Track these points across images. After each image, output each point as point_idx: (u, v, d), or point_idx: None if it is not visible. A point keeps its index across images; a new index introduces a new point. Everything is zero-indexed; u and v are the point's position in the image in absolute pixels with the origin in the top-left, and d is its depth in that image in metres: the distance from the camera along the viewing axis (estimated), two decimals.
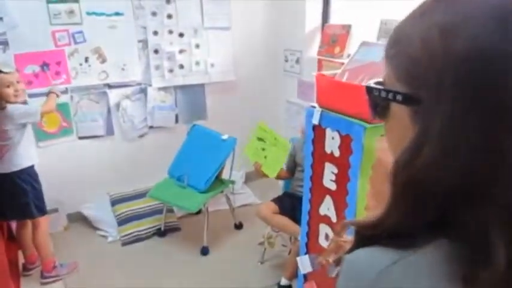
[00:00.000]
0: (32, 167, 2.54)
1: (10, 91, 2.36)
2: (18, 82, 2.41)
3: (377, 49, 1.87)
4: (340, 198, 1.86)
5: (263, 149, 2.58)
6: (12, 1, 2.76)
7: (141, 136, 3.49)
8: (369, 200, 1.77)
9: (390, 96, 0.50)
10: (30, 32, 2.85)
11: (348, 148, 1.76)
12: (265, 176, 2.60)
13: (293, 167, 2.67)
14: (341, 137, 1.81)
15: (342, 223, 0.67)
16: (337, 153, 1.85)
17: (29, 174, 2.51)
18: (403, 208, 0.47)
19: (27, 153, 2.50)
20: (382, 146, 1.72)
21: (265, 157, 2.57)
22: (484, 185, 0.43)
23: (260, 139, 2.60)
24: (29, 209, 2.52)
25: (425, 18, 0.47)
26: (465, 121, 0.42)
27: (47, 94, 2.68)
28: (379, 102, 0.53)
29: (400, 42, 0.49)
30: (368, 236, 0.51)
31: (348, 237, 1.01)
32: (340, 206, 1.88)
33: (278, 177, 2.67)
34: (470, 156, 0.43)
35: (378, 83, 0.54)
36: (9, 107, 2.37)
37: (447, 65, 0.43)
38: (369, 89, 0.54)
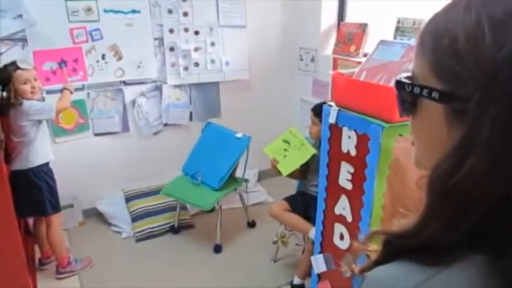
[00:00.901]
0: (47, 164, 2.56)
1: (27, 88, 2.38)
2: (35, 80, 2.44)
3: (396, 48, 1.85)
4: (356, 197, 1.84)
5: (285, 150, 2.61)
6: None
7: (156, 133, 3.51)
8: (386, 200, 1.76)
9: (425, 93, 0.47)
10: (49, 29, 2.89)
11: (365, 147, 1.75)
12: (278, 173, 2.61)
13: (305, 168, 2.66)
14: (358, 136, 1.79)
15: (370, 232, 0.64)
16: (353, 153, 1.84)
17: (44, 172, 2.53)
18: (444, 218, 0.44)
19: (43, 150, 2.52)
20: (400, 146, 1.70)
21: (284, 156, 2.59)
22: None
23: (285, 141, 2.63)
24: (44, 207, 2.54)
25: (472, 11, 0.43)
26: None
27: (61, 91, 2.71)
28: (408, 99, 0.50)
29: (441, 36, 0.45)
30: (399, 247, 0.49)
31: (374, 247, 1.00)
32: (356, 206, 1.86)
33: (290, 176, 2.67)
34: None
35: (408, 77, 0.51)
36: (25, 104, 2.39)
37: (498, 65, 0.40)
38: (400, 84, 0.51)
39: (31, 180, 2.47)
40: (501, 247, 0.42)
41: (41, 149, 2.51)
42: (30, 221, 2.83)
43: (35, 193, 2.50)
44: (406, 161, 1.74)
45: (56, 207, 2.62)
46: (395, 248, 0.49)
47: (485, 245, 0.43)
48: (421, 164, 0.53)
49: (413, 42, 2.08)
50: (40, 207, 2.53)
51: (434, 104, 0.46)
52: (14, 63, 2.39)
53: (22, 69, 2.38)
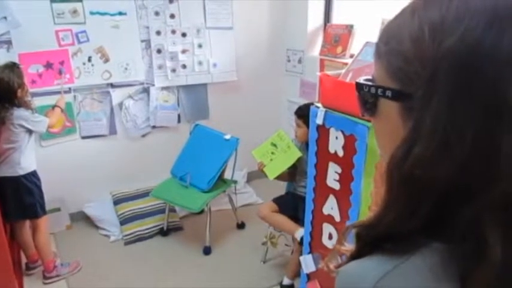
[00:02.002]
0: (35, 170, 2.57)
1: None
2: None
3: None
4: (344, 197, 1.86)
5: (272, 153, 2.63)
6: (16, 0, 2.76)
7: (144, 136, 3.50)
8: (373, 200, 1.78)
9: (380, 92, 0.50)
10: (34, 31, 2.86)
11: (352, 148, 1.77)
12: (265, 175, 2.63)
13: (293, 169, 2.68)
14: (345, 136, 1.81)
15: (344, 227, 0.67)
16: (341, 153, 1.86)
17: (33, 175, 2.54)
18: (399, 206, 0.47)
19: (32, 157, 2.54)
20: None
21: (271, 160, 2.61)
22: (479, 183, 0.42)
23: (273, 145, 2.66)
24: (35, 209, 2.55)
25: (416, 16, 0.47)
26: (457, 117, 0.42)
27: (53, 107, 2.73)
28: (368, 99, 0.53)
29: (391, 41, 0.49)
30: (368, 240, 0.51)
31: (349, 246, 1.02)
32: (344, 206, 1.88)
33: (278, 178, 2.68)
34: (463, 153, 0.42)
35: (367, 80, 0.54)
36: (22, 111, 2.40)
37: (438, 62, 0.43)
38: (359, 86, 0.54)
39: (22, 185, 2.47)
40: (454, 234, 0.44)
41: (31, 156, 2.53)
42: None
43: (27, 197, 2.50)
44: None
45: (44, 210, 2.63)
46: (366, 240, 0.52)
47: (442, 233, 0.45)
48: (383, 157, 0.56)
49: None
50: (31, 210, 2.54)
51: (390, 102, 0.50)
52: (14, 63, 2.41)
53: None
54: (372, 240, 0.50)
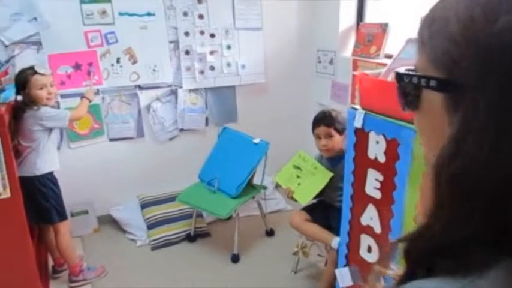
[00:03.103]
0: (52, 172, 2.49)
1: (43, 93, 2.34)
2: (51, 85, 2.40)
3: None
4: (385, 207, 1.73)
5: (298, 177, 2.49)
6: (46, 2, 2.75)
7: (172, 139, 3.44)
8: (419, 211, 1.63)
9: (423, 82, 0.46)
10: (63, 32, 2.84)
11: (395, 153, 1.64)
12: (295, 201, 2.51)
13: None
14: (387, 141, 1.68)
15: (389, 244, 0.59)
16: (382, 159, 1.73)
17: (48, 179, 2.46)
18: (449, 210, 0.43)
19: (50, 158, 2.46)
20: None
21: (298, 184, 2.47)
22: None
23: (296, 167, 2.51)
24: (50, 214, 2.47)
25: None
26: None
27: (81, 97, 2.65)
28: (410, 91, 0.49)
29: (436, 23, 0.45)
30: (421, 257, 0.46)
31: (396, 269, 0.92)
32: (385, 216, 1.75)
33: None
34: None
35: (409, 70, 0.49)
36: (40, 109, 2.34)
37: (491, 43, 0.39)
38: (399, 76, 0.50)
39: (37, 188, 2.40)
40: None
41: (49, 157, 2.45)
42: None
43: (41, 200, 2.43)
44: None
45: (63, 215, 2.55)
46: (417, 258, 0.47)
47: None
48: (427, 156, 0.51)
49: None
50: (46, 214, 2.47)
51: (434, 94, 0.45)
52: (31, 67, 2.35)
53: (39, 74, 2.34)
54: (425, 256, 0.45)
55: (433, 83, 0.45)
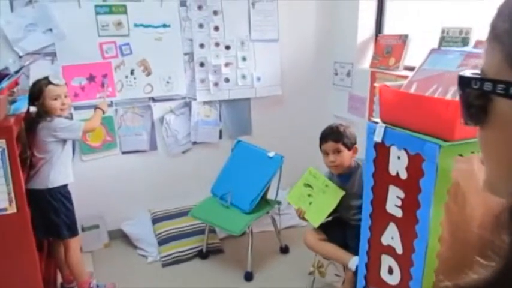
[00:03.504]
0: (65, 185, 2.43)
1: (57, 104, 2.31)
2: (65, 96, 2.37)
3: (451, 56, 1.65)
4: (408, 226, 1.62)
5: (309, 195, 2.40)
6: (61, 12, 2.74)
7: (185, 152, 3.38)
8: (443, 231, 1.52)
9: (500, 89, 0.37)
10: (78, 43, 2.83)
11: (418, 169, 1.54)
12: (306, 221, 2.41)
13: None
14: (409, 156, 1.58)
15: None
16: (404, 175, 1.63)
17: (61, 193, 2.39)
18: None
19: (64, 171, 2.41)
20: (460, 168, 1.48)
21: (310, 203, 2.38)
22: None
23: (307, 185, 2.42)
24: (60, 230, 2.39)
25: None
26: None
27: (95, 108, 2.62)
28: (476, 101, 0.40)
29: None
30: None
31: None
32: (407, 236, 1.64)
33: None
34: None
35: (475, 74, 0.41)
36: (53, 120, 2.31)
37: None
38: (465, 81, 0.41)
39: (47, 201, 2.34)
40: None
41: (63, 169, 2.39)
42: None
43: (52, 215, 2.36)
44: (467, 185, 1.52)
45: (73, 231, 2.47)
46: None
47: None
48: (495, 188, 0.43)
49: (472, 49, 1.86)
50: (56, 229, 2.39)
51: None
52: (46, 78, 2.33)
53: (54, 84, 2.31)
54: None
55: None
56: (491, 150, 0.42)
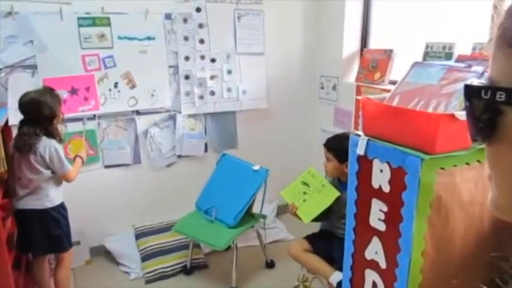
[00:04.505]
0: (63, 201, 2.44)
1: (62, 126, 2.34)
2: None
3: (433, 70, 1.65)
4: (391, 240, 1.59)
5: (304, 193, 2.39)
6: (43, 24, 2.71)
7: (169, 165, 3.34)
8: (427, 245, 1.50)
9: None
10: (60, 56, 2.79)
11: (401, 183, 1.52)
12: (299, 219, 2.38)
13: (327, 209, 2.44)
14: (392, 169, 1.56)
15: None
16: (386, 189, 1.61)
17: (61, 207, 2.40)
18: None
19: (61, 191, 2.41)
20: (442, 181, 1.46)
21: (304, 200, 2.36)
22: None
23: (304, 184, 2.41)
24: (62, 242, 2.39)
25: None
26: None
27: (74, 158, 2.55)
28: (485, 113, 0.36)
29: None
30: None
31: None
32: (391, 250, 1.61)
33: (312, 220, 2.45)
34: None
35: (486, 84, 0.37)
36: (55, 144, 2.26)
37: None
38: (474, 90, 0.36)
39: (51, 217, 2.32)
40: None
41: (60, 188, 2.39)
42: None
43: (55, 229, 2.34)
44: (450, 199, 1.51)
45: (71, 243, 2.47)
46: None
47: None
48: (503, 209, 0.40)
49: (453, 63, 1.87)
50: (59, 243, 2.38)
51: None
52: (56, 96, 2.30)
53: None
54: None
55: None
56: (503, 167, 0.39)
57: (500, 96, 0.34)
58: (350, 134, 2.38)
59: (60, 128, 2.36)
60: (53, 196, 2.32)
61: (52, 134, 2.27)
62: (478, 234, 1.60)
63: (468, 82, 0.37)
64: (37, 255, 2.43)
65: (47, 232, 2.32)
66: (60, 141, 2.34)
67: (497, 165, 0.39)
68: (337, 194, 2.29)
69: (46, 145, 2.24)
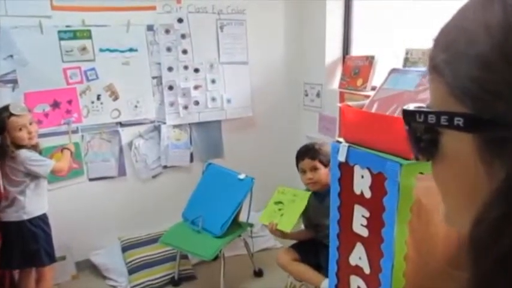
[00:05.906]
0: (44, 213, 2.42)
1: (23, 134, 2.28)
2: (30, 124, 2.34)
3: (410, 76, 1.68)
4: (374, 246, 1.61)
5: (280, 209, 2.44)
6: (23, 38, 2.69)
7: (155, 176, 3.32)
8: (409, 249, 1.52)
9: (444, 121, 0.35)
10: (41, 69, 2.77)
11: (381, 188, 1.53)
12: (281, 234, 2.40)
13: (307, 223, 2.46)
14: (372, 175, 1.58)
15: None
16: (368, 194, 1.62)
17: (40, 219, 2.38)
18: None
19: (41, 201, 2.39)
20: (422, 185, 1.48)
21: (281, 215, 2.41)
22: None
23: (278, 203, 2.48)
24: (39, 256, 2.36)
25: (495, 3, 0.32)
26: None
27: (61, 150, 2.58)
28: (424, 135, 0.39)
29: (454, 44, 0.35)
30: None
31: None
32: (374, 255, 1.62)
33: (296, 238, 2.50)
34: None
35: (419, 108, 0.39)
36: (22, 153, 2.27)
37: None
38: (409, 115, 0.39)
39: (28, 230, 2.30)
40: None
41: (40, 200, 2.38)
42: (17, 275, 2.59)
43: (31, 243, 2.32)
44: (429, 202, 1.52)
45: (52, 258, 2.44)
46: None
47: None
48: (454, 221, 0.42)
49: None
50: (36, 257, 2.35)
51: (460, 135, 0.35)
52: (6, 108, 2.27)
53: (16, 115, 2.26)
54: None
55: (458, 121, 0.34)
56: (446, 183, 0.41)
57: (431, 119, 0.36)
58: (310, 143, 2.47)
59: (24, 139, 2.30)
60: (30, 208, 2.31)
61: (14, 143, 2.25)
62: (459, 236, 1.62)
63: (405, 107, 0.40)
64: (14, 269, 2.40)
65: (23, 246, 2.30)
66: (38, 152, 2.35)
67: (442, 183, 0.41)
68: (308, 193, 2.34)
69: (19, 158, 2.25)
